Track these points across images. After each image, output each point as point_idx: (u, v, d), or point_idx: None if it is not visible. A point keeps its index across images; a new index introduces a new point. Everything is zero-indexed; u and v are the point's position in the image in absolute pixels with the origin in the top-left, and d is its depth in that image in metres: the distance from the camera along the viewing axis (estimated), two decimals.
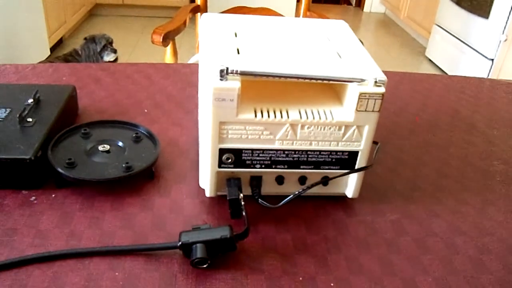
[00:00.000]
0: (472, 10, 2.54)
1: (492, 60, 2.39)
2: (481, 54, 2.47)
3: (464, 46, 2.63)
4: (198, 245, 0.36)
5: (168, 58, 1.46)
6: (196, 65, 0.72)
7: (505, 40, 2.30)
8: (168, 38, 1.37)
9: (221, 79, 0.36)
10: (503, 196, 0.49)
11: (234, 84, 0.36)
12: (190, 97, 0.62)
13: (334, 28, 0.48)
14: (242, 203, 0.39)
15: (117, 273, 0.36)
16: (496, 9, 2.33)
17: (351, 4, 4.21)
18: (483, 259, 0.40)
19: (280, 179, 0.42)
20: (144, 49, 2.69)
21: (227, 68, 0.36)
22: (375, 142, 0.45)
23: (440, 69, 2.86)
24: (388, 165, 0.52)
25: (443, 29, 2.86)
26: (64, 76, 0.65)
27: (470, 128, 0.62)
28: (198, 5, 1.61)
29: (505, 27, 2.29)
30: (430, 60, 2.99)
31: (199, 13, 1.63)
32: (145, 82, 0.65)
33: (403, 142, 0.57)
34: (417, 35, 3.38)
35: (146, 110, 0.58)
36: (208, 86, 0.37)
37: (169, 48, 1.45)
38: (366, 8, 4.03)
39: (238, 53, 0.40)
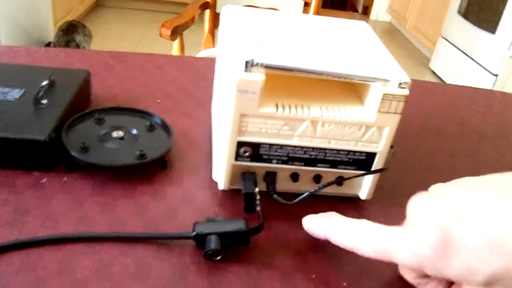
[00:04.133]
0: (479, 24, 2.55)
1: (496, 75, 2.40)
2: (485, 69, 2.48)
3: (468, 60, 2.64)
4: (212, 236, 0.35)
5: (175, 53, 1.45)
6: (208, 59, 0.71)
7: (511, 56, 2.32)
8: (176, 32, 1.36)
9: (245, 71, 0.36)
10: None
11: (258, 76, 0.36)
12: (202, 89, 0.62)
13: (356, 29, 0.48)
14: (258, 197, 0.39)
15: (128, 260, 0.35)
16: (504, 25, 2.34)
17: (357, 11, 4.22)
18: None
19: (295, 176, 0.42)
20: (149, 43, 2.68)
21: (253, 60, 0.36)
22: (390, 147, 0.45)
23: (443, 81, 2.87)
24: (397, 169, 0.52)
25: (448, 41, 2.87)
26: (76, 61, 0.65)
27: (479, 137, 0.62)
28: (208, 2, 1.61)
29: (511, 43, 2.30)
30: (433, 72, 3.01)
31: (208, 10, 1.63)
32: (157, 73, 0.65)
33: (412, 147, 0.57)
34: (421, 46, 3.39)
35: (158, 101, 0.58)
36: (231, 77, 0.36)
37: (176, 43, 1.45)
38: (372, 16, 4.04)
39: (262, 46, 0.40)
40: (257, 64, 0.36)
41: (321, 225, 0.37)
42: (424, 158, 0.55)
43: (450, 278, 0.29)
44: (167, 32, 1.33)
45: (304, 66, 0.37)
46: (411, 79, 0.77)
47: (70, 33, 2.21)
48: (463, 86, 0.78)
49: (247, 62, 0.36)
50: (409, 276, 0.36)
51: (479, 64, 2.53)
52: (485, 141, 0.61)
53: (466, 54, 2.66)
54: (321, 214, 0.38)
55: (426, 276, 0.35)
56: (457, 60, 2.74)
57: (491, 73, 2.42)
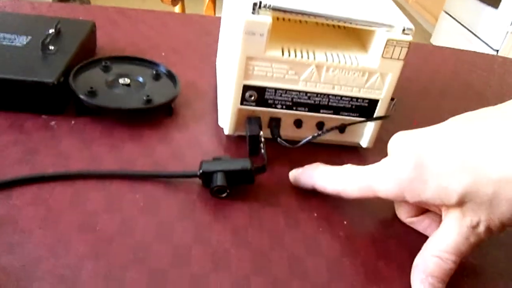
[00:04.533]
0: None
1: (497, 51, 2.39)
2: (486, 44, 2.47)
3: (470, 35, 2.63)
4: (218, 173, 0.36)
5: None
6: (213, 17, 0.72)
7: None
8: None
9: (253, 13, 0.36)
10: None
11: (265, 18, 0.36)
12: (207, 44, 0.62)
13: None
14: (262, 140, 0.40)
15: (137, 196, 0.37)
16: None
17: None
18: None
19: (298, 123, 0.43)
20: None
21: (260, 2, 0.36)
22: (391, 99, 0.46)
23: None
24: (400, 123, 0.52)
25: (451, 16, 2.85)
26: (81, 16, 0.65)
27: (481, 99, 0.63)
28: None
29: None
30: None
31: None
32: (162, 28, 0.65)
33: (415, 105, 0.58)
34: (424, 21, 3.37)
35: (163, 54, 0.58)
36: (239, 19, 0.37)
37: (177, 9, 1.44)
38: None
39: None
40: (264, 6, 0.36)
41: (307, 175, 0.38)
42: (426, 115, 0.56)
43: (428, 201, 0.31)
44: None
45: (311, 9, 0.38)
46: (414, 42, 0.77)
47: None
48: (464, 50, 0.79)
49: (254, 4, 0.36)
50: (403, 216, 0.37)
51: (481, 39, 2.51)
52: (486, 102, 0.62)
53: (468, 29, 2.64)
54: (307, 166, 0.39)
55: (419, 213, 0.36)
56: (459, 35, 2.73)
57: (492, 48, 2.41)
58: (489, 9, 2.46)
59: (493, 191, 0.28)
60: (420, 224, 0.37)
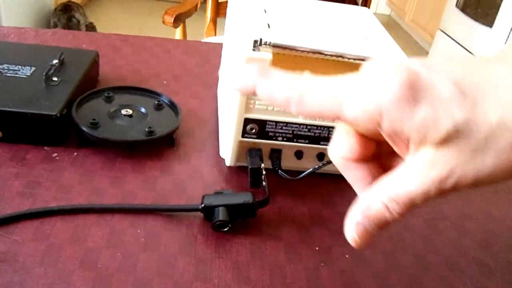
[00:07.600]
0: (477, 18, 2.56)
1: None
2: None
3: (466, 53, 2.66)
4: (220, 208, 0.36)
5: None
6: (214, 44, 0.72)
7: None
8: (179, 20, 1.37)
9: (253, 50, 0.37)
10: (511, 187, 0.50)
11: (266, 55, 0.37)
12: (208, 72, 0.63)
13: (359, 14, 0.49)
14: (263, 172, 0.40)
15: (139, 230, 0.37)
16: (501, 19, 2.36)
17: (357, 4, 4.22)
18: (490, 242, 0.41)
19: (299, 154, 0.43)
20: (150, 32, 2.68)
21: (261, 39, 0.37)
22: None
23: None
24: None
25: (446, 34, 2.88)
26: (84, 43, 0.66)
27: None
28: None
29: (507, 37, 2.31)
30: None
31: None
32: (164, 56, 0.66)
33: None
34: (420, 39, 3.40)
35: (165, 82, 0.59)
36: (240, 56, 0.37)
37: (178, 31, 1.45)
38: (372, 9, 4.04)
39: (269, 27, 0.41)
40: (265, 43, 0.37)
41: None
42: None
43: (409, 130, 0.24)
44: (169, 19, 1.33)
45: (310, 46, 0.38)
46: None
47: (69, 10, 2.24)
48: None
49: (255, 41, 0.37)
50: (336, 155, 0.28)
51: None
52: None
53: (464, 47, 2.67)
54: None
55: (355, 159, 0.28)
56: (455, 53, 2.75)
57: None
58: (483, 28, 2.49)
59: (486, 136, 0.23)
60: (357, 171, 0.28)
